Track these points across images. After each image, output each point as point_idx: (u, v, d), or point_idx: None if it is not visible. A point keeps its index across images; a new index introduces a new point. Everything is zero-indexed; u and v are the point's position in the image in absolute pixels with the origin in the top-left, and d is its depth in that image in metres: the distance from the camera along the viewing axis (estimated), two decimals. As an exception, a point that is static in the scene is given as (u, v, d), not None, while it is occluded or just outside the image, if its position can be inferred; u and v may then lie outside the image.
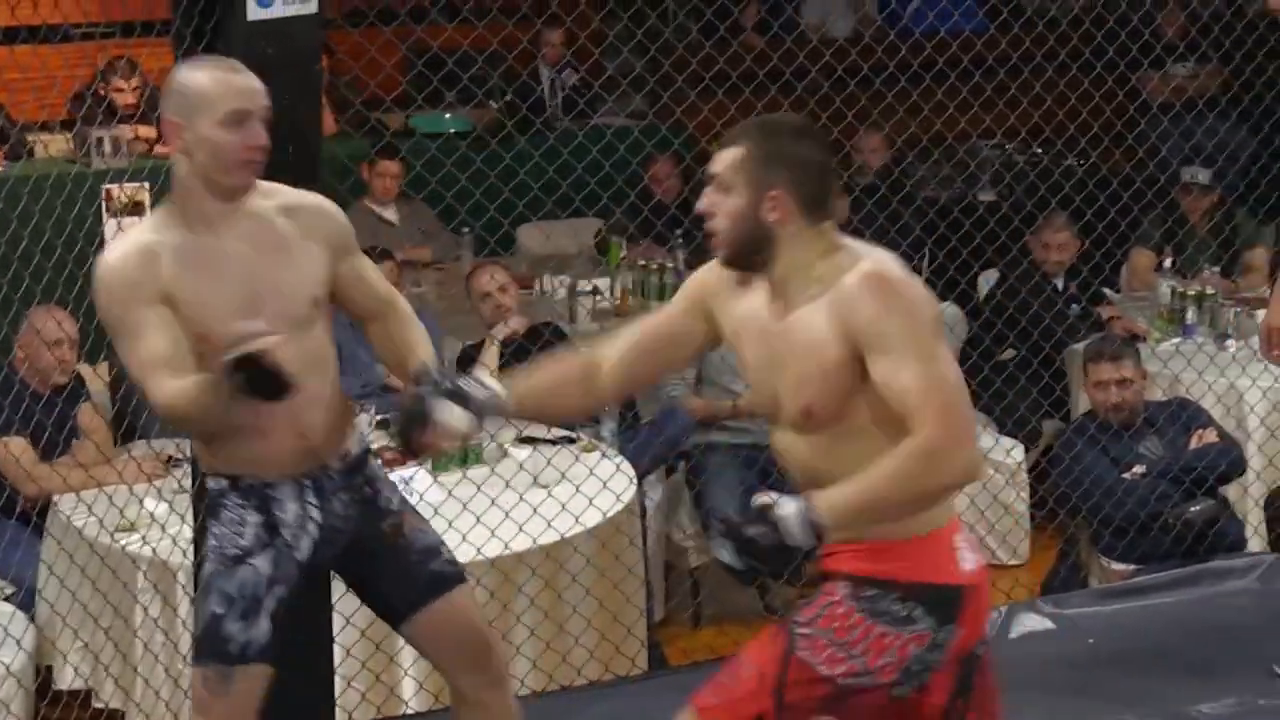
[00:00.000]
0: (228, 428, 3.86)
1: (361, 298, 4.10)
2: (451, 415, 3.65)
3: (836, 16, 11.32)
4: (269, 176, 3.98)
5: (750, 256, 3.54)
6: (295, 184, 4.09)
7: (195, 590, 4.11)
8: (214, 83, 3.83)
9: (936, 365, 3.40)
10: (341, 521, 4.02)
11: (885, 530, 3.46)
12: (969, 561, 3.53)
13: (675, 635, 6.58)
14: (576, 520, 5.58)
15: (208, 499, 4.04)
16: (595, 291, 7.91)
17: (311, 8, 4.58)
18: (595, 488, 5.73)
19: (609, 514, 5.69)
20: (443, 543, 4.20)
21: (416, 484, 5.78)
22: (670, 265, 8.14)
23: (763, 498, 3.50)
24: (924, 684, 3.51)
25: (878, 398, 3.41)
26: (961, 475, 3.42)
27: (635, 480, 5.99)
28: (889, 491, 3.38)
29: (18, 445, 6.08)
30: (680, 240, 8.27)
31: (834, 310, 3.44)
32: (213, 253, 3.86)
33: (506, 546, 5.44)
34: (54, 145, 8.67)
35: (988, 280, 7.98)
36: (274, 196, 3.98)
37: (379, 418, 6.26)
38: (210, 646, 3.93)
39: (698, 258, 8.24)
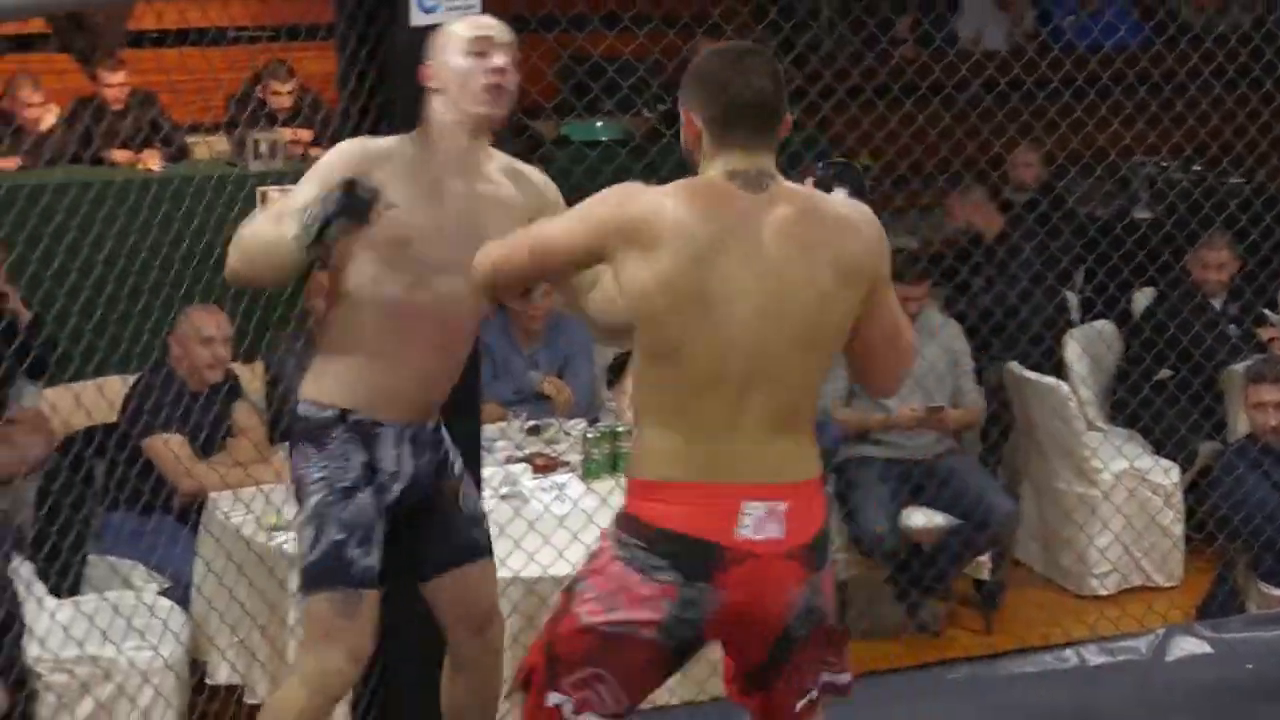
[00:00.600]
0: (281, 280, 4.04)
1: None
2: None
3: (993, 28, 11.24)
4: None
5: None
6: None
7: (296, 517, 4.17)
8: (463, 23, 4.07)
9: (545, 229, 3.65)
10: (424, 477, 4.18)
11: (657, 470, 3.50)
12: (757, 532, 3.48)
13: (823, 649, 6.52)
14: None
15: (305, 427, 4.10)
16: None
17: (475, 13, 4.57)
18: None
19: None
20: (485, 514, 4.39)
21: (570, 490, 5.78)
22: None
23: None
24: (694, 640, 3.54)
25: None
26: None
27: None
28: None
29: (175, 442, 6.14)
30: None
31: None
32: (435, 181, 4.02)
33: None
34: (213, 147, 8.78)
35: (1145, 297, 7.86)
36: (502, 160, 4.16)
37: (531, 424, 6.28)
38: (334, 572, 4.02)
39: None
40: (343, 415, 4.07)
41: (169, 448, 6.12)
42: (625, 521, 3.54)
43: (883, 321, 3.59)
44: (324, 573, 4.03)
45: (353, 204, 3.85)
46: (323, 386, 4.11)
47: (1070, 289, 8.19)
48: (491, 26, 4.04)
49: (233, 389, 6.48)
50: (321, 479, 4.06)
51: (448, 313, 4.04)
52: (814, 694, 3.65)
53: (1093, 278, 7.94)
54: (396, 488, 4.11)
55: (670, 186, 3.48)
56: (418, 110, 4.34)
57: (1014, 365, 7.10)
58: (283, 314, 6.49)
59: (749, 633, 3.56)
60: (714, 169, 3.50)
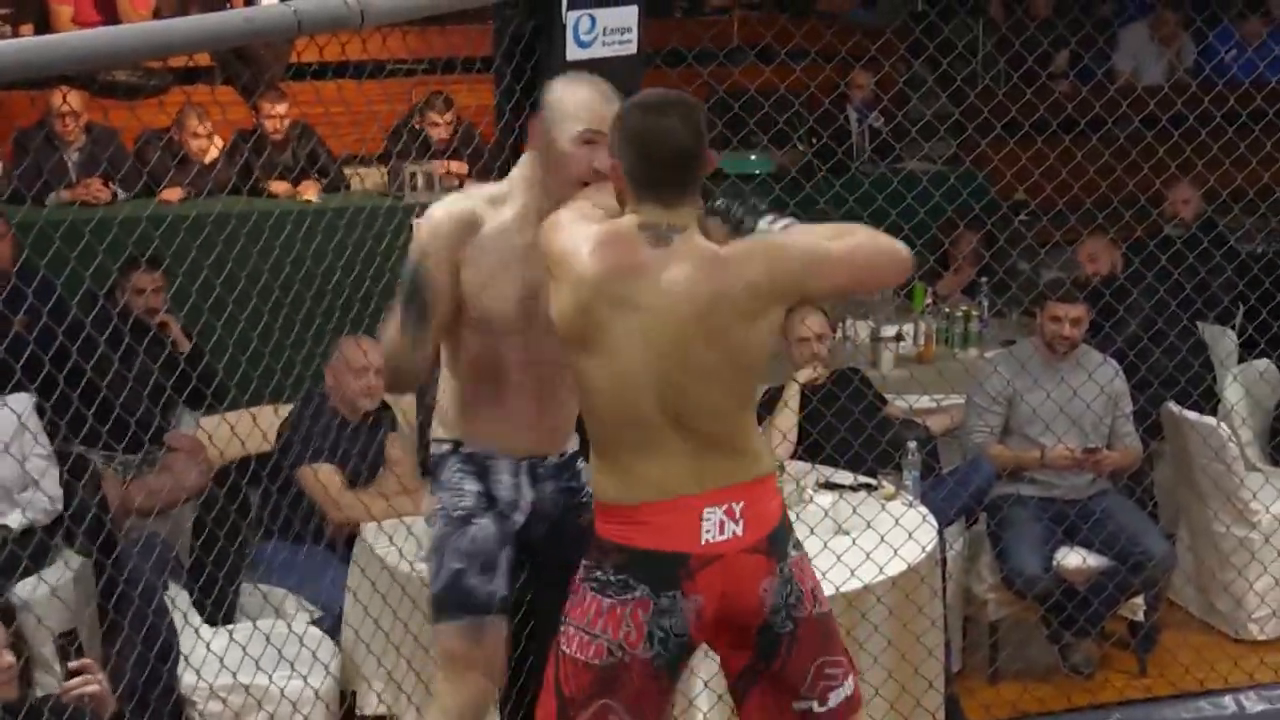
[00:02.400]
0: (417, 375, 4.11)
1: None
2: None
3: (1151, 63, 11.12)
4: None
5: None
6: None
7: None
8: (579, 102, 4.00)
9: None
10: (550, 505, 4.23)
11: (612, 494, 3.75)
12: (719, 534, 3.71)
13: (973, 689, 6.47)
14: (880, 570, 5.50)
15: (432, 462, 4.26)
16: (899, 337, 7.82)
17: (631, 49, 4.60)
18: (899, 536, 5.65)
19: (913, 564, 5.59)
20: None
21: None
22: (975, 313, 8.04)
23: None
24: (684, 649, 3.76)
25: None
26: None
27: (938, 530, 5.89)
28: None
29: (326, 472, 6.19)
30: (986, 289, 8.16)
31: None
32: (516, 245, 4.04)
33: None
34: (369, 179, 8.86)
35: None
36: None
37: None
38: (458, 601, 4.09)
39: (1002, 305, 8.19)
40: (456, 447, 4.20)
41: (320, 478, 6.17)
42: (595, 548, 3.77)
43: (821, 275, 3.76)
44: (447, 602, 4.12)
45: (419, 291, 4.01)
46: (442, 421, 4.25)
47: (1230, 327, 8.06)
48: (606, 120, 3.94)
49: (380, 420, 6.51)
50: (440, 510, 4.18)
51: (540, 365, 4.09)
52: (816, 705, 3.83)
53: (1255, 316, 7.79)
54: (518, 516, 4.19)
55: (596, 227, 3.72)
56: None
57: (1172, 405, 7.00)
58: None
59: (731, 630, 3.79)
60: (629, 218, 3.72)
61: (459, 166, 8.65)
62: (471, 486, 4.17)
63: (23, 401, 5.76)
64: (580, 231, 3.71)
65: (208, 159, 8.68)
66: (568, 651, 3.76)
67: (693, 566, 3.70)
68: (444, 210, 4.10)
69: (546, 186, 4.02)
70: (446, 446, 4.22)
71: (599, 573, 3.74)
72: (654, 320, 3.67)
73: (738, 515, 3.73)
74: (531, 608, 4.58)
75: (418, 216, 7.59)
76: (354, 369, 6.34)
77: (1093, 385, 6.60)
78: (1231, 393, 7.42)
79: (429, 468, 4.31)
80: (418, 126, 8.82)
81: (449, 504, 4.17)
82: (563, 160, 3.97)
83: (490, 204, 4.09)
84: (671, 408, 3.71)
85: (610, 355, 3.69)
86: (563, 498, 4.26)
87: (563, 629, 3.79)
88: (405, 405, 6.77)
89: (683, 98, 3.76)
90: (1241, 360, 7.82)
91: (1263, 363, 7.61)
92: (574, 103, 4.00)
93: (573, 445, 4.30)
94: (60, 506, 5.91)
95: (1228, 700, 5.87)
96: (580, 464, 4.30)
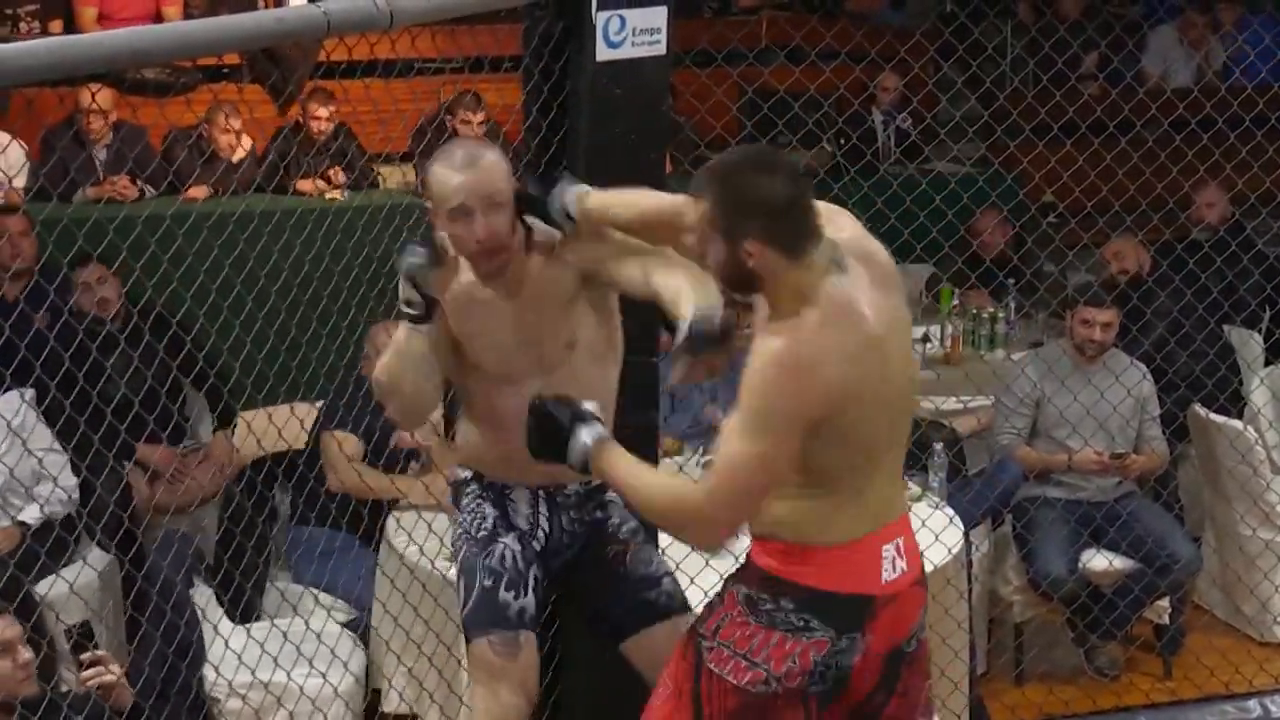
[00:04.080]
0: (420, 384, 4.08)
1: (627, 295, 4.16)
2: None
3: (1180, 65, 11.09)
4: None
5: (749, 290, 3.53)
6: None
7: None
8: (438, 180, 3.99)
9: (754, 451, 3.41)
10: (568, 537, 4.24)
11: (804, 534, 3.55)
12: (894, 571, 3.60)
13: (998, 691, 6.46)
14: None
15: (453, 486, 4.31)
16: (925, 338, 7.81)
17: (660, 49, 4.58)
18: (925, 538, 5.62)
19: (939, 565, 5.57)
20: (667, 574, 4.32)
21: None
22: (1002, 315, 8.02)
23: (586, 405, 3.74)
24: (843, 681, 3.61)
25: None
26: (696, 544, 3.72)
27: (964, 532, 5.88)
28: (641, 501, 3.62)
29: (350, 442, 6.22)
30: (1014, 289, 8.15)
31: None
32: (482, 298, 4.08)
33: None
34: (393, 177, 8.86)
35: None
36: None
37: (707, 458, 6.26)
38: (489, 616, 4.07)
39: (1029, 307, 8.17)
40: (477, 475, 4.25)
41: (338, 439, 6.20)
42: (763, 584, 3.59)
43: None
44: (481, 618, 4.09)
45: (431, 249, 3.95)
46: (460, 452, 4.30)
47: (1257, 330, 8.03)
48: (462, 190, 3.94)
49: None
50: (462, 534, 4.20)
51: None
52: None
53: (1282, 319, 7.78)
54: (540, 537, 4.19)
55: (806, 327, 3.42)
56: (599, 145, 4.36)
57: (1198, 408, 6.98)
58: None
59: (881, 659, 3.65)
60: (811, 278, 3.46)
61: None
62: (491, 511, 4.20)
63: (18, 397, 5.79)
64: (811, 347, 3.41)
65: (235, 157, 8.68)
66: (717, 670, 3.62)
67: (876, 608, 3.59)
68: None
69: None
70: (467, 473, 4.28)
71: (771, 606, 3.58)
72: (889, 346, 3.53)
73: (901, 550, 3.63)
74: (557, 633, 4.62)
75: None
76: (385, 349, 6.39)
77: (1120, 388, 6.58)
78: (1258, 396, 7.39)
79: (451, 494, 4.35)
80: (448, 125, 8.82)
81: (471, 526, 4.19)
82: (456, 243, 3.98)
83: (456, 260, 4.08)
84: (900, 430, 3.61)
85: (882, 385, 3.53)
86: (585, 529, 4.26)
87: (710, 645, 3.64)
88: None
89: (765, 151, 3.62)
90: (1268, 364, 7.80)
91: (1285, 363, 7.59)
92: (434, 182, 3.99)
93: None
94: (77, 498, 5.92)
95: (1253, 704, 5.85)
96: (609, 495, 4.27)
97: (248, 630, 5.61)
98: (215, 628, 5.55)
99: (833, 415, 3.41)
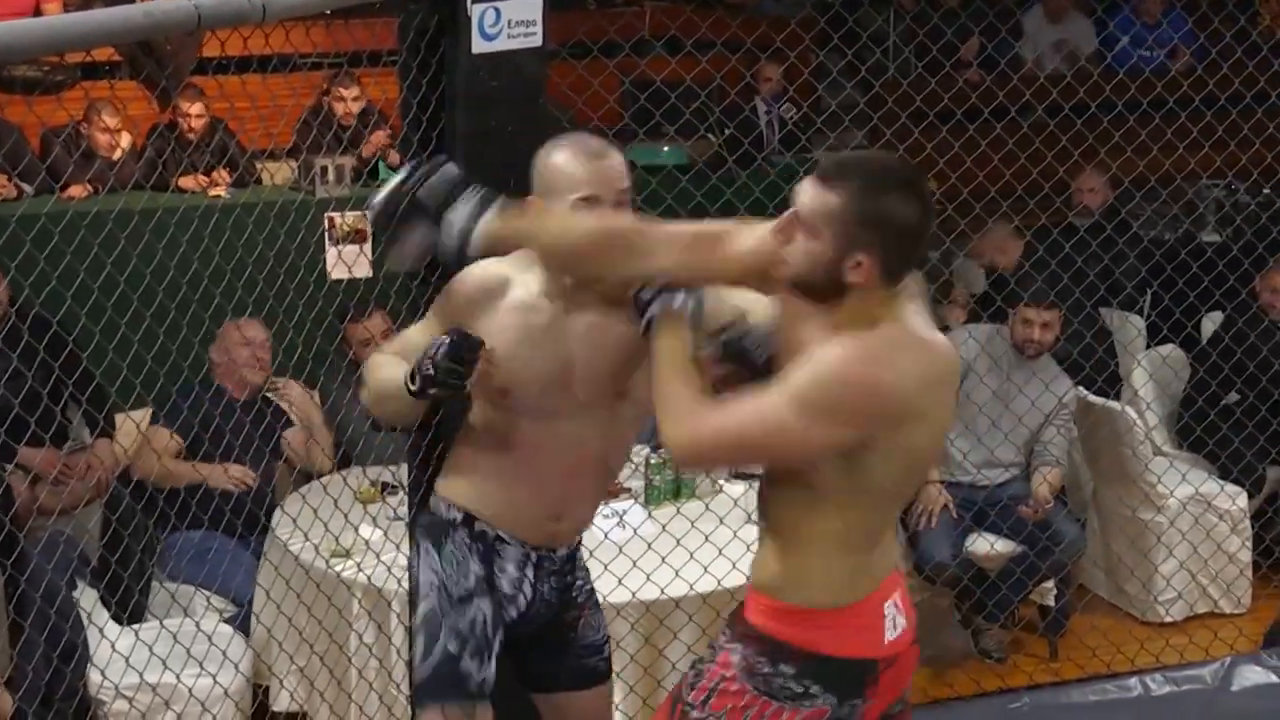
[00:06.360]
0: (410, 421, 3.96)
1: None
2: None
3: (1052, 50, 11.17)
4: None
5: (812, 293, 3.31)
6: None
7: (411, 619, 4.10)
8: (561, 166, 3.76)
9: (781, 417, 3.21)
10: (544, 606, 4.06)
11: (807, 596, 3.38)
12: (894, 630, 3.44)
13: (885, 676, 6.49)
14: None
15: (429, 522, 4.04)
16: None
17: (536, 41, 4.57)
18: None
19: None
20: (607, 640, 4.23)
21: (631, 517, 5.77)
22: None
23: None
24: None
25: (838, 462, 3.29)
26: (667, 443, 3.33)
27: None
28: (660, 378, 3.40)
29: (160, 434, 6.34)
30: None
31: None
32: (539, 318, 3.82)
33: (719, 583, 5.40)
34: (279, 173, 8.81)
35: (1212, 322, 7.81)
36: None
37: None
38: (450, 684, 3.89)
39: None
40: (469, 519, 3.98)
41: (152, 439, 6.28)
42: (760, 646, 3.42)
43: None
44: (439, 686, 3.91)
45: (457, 355, 3.69)
46: (452, 486, 4.01)
47: (1136, 313, 8.14)
48: (596, 180, 3.70)
49: (275, 412, 6.67)
50: (435, 584, 3.96)
51: (568, 448, 3.87)
52: None
53: (1159, 302, 7.88)
54: (513, 610, 4.00)
55: (890, 350, 3.25)
56: (477, 136, 4.35)
57: (1080, 391, 7.06)
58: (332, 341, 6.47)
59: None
60: (890, 308, 3.31)
61: (378, 138, 8.62)
62: (476, 569, 3.94)
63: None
64: (886, 353, 3.24)
65: (115, 155, 8.59)
66: None
67: (879, 671, 3.42)
68: (477, 268, 3.84)
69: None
70: (458, 515, 3.98)
71: (769, 671, 3.40)
72: (945, 392, 3.39)
73: (900, 605, 3.47)
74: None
75: (331, 210, 7.63)
76: (244, 341, 6.48)
77: (1050, 397, 6.61)
78: (1138, 377, 7.49)
79: (421, 526, 4.07)
80: (325, 105, 8.78)
81: (449, 579, 3.94)
82: None
83: (523, 269, 3.83)
84: (918, 479, 3.49)
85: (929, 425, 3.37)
86: (557, 596, 4.07)
87: (699, 717, 3.44)
88: (295, 398, 6.76)
89: (908, 167, 3.40)
90: (1148, 347, 7.90)
91: (1168, 348, 7.69)
92: (566, 163, 3.74)
93: (581, 537, 4.13)
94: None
95: (1133, 682, 5.90)
96: (579, 557, 4.14)
97: (135, 631, 5.57)
98: (101, 630, 5.51)
99: (890, 427, 3.24)
